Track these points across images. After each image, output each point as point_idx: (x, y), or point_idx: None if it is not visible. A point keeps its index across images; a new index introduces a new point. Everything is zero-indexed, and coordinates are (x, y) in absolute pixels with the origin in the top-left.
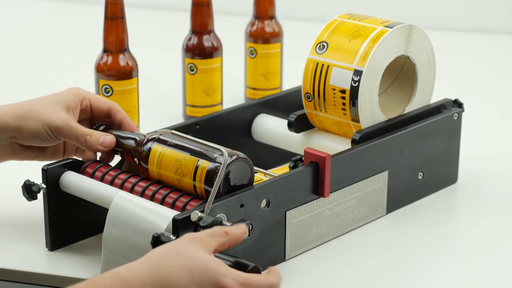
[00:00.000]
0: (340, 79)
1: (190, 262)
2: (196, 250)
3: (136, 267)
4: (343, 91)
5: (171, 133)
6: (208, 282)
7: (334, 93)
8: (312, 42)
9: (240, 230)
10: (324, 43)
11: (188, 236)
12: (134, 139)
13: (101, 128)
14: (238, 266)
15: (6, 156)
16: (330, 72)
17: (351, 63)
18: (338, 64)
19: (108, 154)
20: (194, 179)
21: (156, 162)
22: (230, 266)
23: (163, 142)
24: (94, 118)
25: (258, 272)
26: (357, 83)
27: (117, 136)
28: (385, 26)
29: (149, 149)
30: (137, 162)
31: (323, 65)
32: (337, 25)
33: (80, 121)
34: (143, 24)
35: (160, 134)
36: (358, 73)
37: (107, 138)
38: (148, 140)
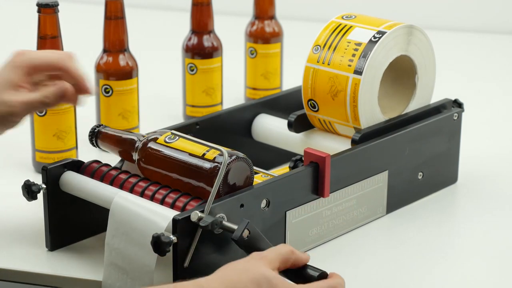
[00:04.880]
0: (360, 35)
1: (257, 278)
2: (262, 267)
3: (213, 281)
4: (358, 44)
5: (171, 133)
6: None
7: (348, 45)
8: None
9: (304, 255)
10: (353, 15)
11: (256, 255)
12: (133, 139)
13: (99, 127)
14: (304, 278)
15: None
16: (351, 31)
17: (377, 26)
18: (363, 26)
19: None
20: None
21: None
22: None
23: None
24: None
25: (325, 277)
26: (377, 39)
27: (116, 137)
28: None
29: (149, 149)
30: (136, 162)
31: (346, 25)
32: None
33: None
34: (143, 24)
35: (160, 134)
36: (381, 32)
37: (61, 87)
38: (148, 140)
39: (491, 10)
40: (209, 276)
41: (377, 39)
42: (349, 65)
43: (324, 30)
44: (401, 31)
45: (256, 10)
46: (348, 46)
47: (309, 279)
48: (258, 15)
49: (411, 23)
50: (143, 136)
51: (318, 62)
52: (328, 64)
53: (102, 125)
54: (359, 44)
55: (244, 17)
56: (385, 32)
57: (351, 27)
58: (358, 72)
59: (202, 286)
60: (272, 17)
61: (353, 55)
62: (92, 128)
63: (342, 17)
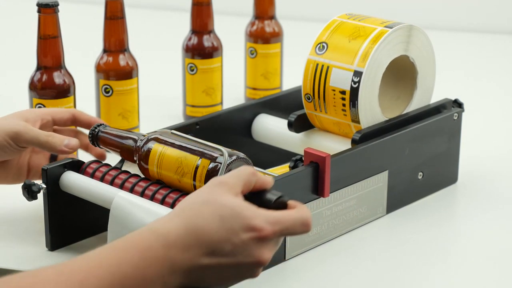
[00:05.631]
0: (340, 80)
1: (219, 209)
2: (223, 196)
3: (170, 221)
4: (343, 92)
5: (171, 133)
6: (239, 227)
7: (334, 94)
8: (312, 42)
9: (267, 178)
10: (324, 44)
11: (215, 181)
12: (134, 138)
13: (99, 127)
14: (262, 201)
15: None
16: (330, 73)
17: (351, 64)
18: (338, 65)
19: (101, 155)
20: (194, 179)
21: (156, 162)
22: (252, 198)
23: (163, 142)
24: (58, 132)
25: (284, 204)
26: (357, 84)
27: (117, 136)
28: (385, 27)
29: (149, 149)
30: (137, 162)
31: (323, 65)
32: (337, 25)
33: None
34: (143, 24)
35: (160, 134)
36: (358, 74)
37: (72, 141)
38: (148, 140)
39: (491, 10)
40: (166, 216)
41: (357, 84)
42: (345, 115)
43: (305, 75)
44: (401, 31)
45: (256, 10)
46: (334, 95)
47: (266, 202)
48: (258, 15)
49: (411, 23)
50: (144, 135)
51: (315, 110)
52: (326, 112)
53: (103, 124)
54: (343, 92)
55: (244, 17)
56: (361, 73)
57: (328, 68)
58: (355, 121)
59: (157, 230)
60: (272, 17)
61: (343, 105)
62: (92, 128)
63: (316, 50)
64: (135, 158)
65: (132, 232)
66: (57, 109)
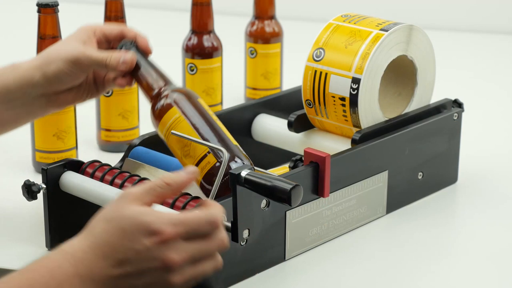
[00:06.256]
0: (339, 86)
1: (121, 222)
2: (126, 208)
3: (77, 240)
4: (342, 99)
5: (198, 100)
6: (141, 235)
7: (334, 101)
8: (310, 45)
9: (185, 178)
10: (321, 50)
11: (121, 195)
12: (159, 83)
13: (134, 46)
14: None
15: (44, 109)
16: (329, 80)
17: (349, 71)
18: (336, 72)
19: (129, 79)
20: (197, 166)
21: (168, 125)
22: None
23: (184, 109)
24: (113, 47)
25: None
26: (356, 90)
27: (145, 66)
28: (381, 29)
29: (168, 106)
30: (151, 109)
31: (321, 72)
32: (333, 29)
33: None
34: (143, 24)
35: (187, 96)
36: (356, 81)
37: (127, 56)
38: (171, 97)
39: (491, 10)
40: (74, 238)
41: (356, 90)
42: (346, 120)
43: (305, 82)
44: (401, 31)
45: (256, 10)
46: (334, 101)
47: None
48: (258, 15)
49: (411, 23)
50: (171, 86)
51: (317, 115)
52: (327, 118)
53: (133, 42)
54: (343, 98)
55: (244, 17)
56: (359, 80)
57: (326, 74)
58: (357, 126)
59: (64, 250)
60: (272, 17)
61: (344, 111)
62: (127, 44)
63: (313, 57)
64: (150, 101)
65: (41, 256)
66: (107, 27)
